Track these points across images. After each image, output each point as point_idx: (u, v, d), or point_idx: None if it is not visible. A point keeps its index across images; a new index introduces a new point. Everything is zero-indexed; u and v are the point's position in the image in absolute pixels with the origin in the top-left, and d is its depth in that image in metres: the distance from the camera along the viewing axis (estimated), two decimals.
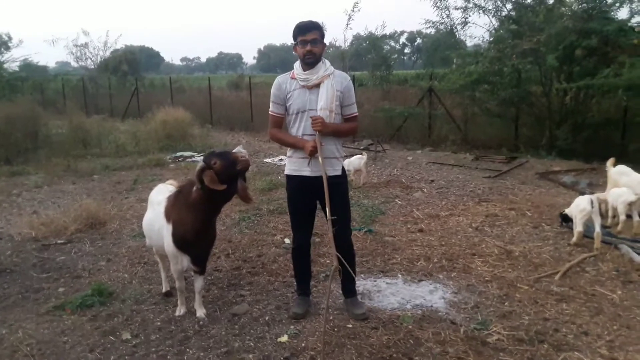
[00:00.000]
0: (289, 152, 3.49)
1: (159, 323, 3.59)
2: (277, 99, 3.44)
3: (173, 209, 3.47)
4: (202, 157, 3.37)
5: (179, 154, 11.06)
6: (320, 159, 3.22)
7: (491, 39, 11.43)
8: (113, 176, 9.02)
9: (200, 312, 3.64)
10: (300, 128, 3.39)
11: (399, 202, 6.74)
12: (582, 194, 6.90)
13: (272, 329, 3.47)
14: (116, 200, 7.23)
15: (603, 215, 5.78)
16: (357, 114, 3.51)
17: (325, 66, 3.34)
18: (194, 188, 3.29)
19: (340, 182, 3.43)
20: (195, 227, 3.35)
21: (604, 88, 8.56)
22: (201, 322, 3.56)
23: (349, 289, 3.68)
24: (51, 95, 24.52)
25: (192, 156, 10.94)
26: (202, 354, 3.17)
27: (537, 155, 9.70)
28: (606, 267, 4.42)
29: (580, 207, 5.08)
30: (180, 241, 3.40)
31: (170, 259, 3.54)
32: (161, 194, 3.80)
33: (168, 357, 3.16)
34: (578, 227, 5.06)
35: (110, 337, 3.40)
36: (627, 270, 4.34)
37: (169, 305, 3.83)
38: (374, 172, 8.67)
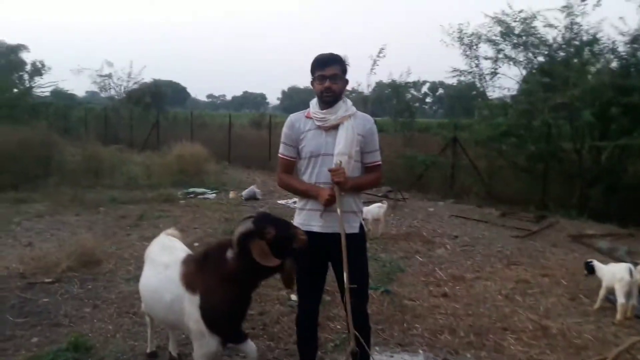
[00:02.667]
0: (299, 203, 3.00)
1: None
2: (288, 140, 2.98)
3: (198, 277, 2.76)
4: (249, 218, 2.65)
5: (191, 189, 10.70)
6: (338, 211, 2.73)
7: (519, 90, 11.07)
8: (119, 209, 8.64)
9: None
10: (313, 174, 2.91)
11: (420, 259, 6.18)
12: (620, 261, 6.28)
13: None
14: (117, 236, 6.81)
15: None
16: (380, 162, 3.02)
17: (346, 106, 2.90)
18: (229, 254, 2.65)
19: (357, 242, 2.91)
20: (232, 304, 2.69)
21: None
22: None
23: None
24: (74, 123, 24.73)
25: (203, 193, 10.56)
26: None
27: (567, 216, 9.07)
28: None
29: (617, 276, 4.57)
30: (212, 319, 2.69)
31: (195, 340, 2.78)
32: (168, 252, 3.10)
33: None
34: (620, 299, 4.50)
35: None
36: None
37: None
38: (393, 222, 8.14)
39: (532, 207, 9.67)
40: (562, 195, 9.95)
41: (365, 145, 2.92)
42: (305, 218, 2.92)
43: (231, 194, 10.32)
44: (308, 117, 2.94)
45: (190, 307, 2.74)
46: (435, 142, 13.00)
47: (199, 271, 2.77)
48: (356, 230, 2.92)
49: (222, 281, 2.66)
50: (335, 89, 2.85)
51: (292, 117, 3.01)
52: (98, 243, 5.98)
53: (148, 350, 3.50)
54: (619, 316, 4.47)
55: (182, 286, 2.77)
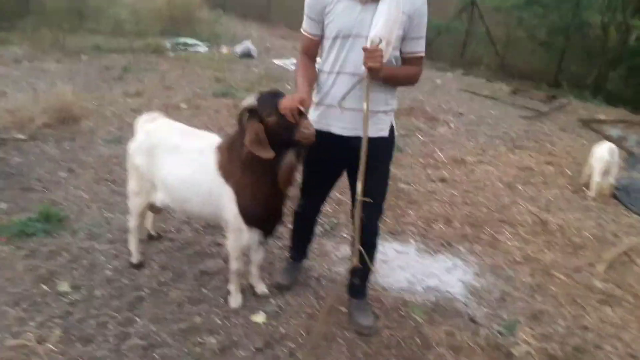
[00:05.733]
0: (316, 96, 2.42)
1: (109, 272, 2.89)
2: (312, 12, 2.28)
3: (230, 167, 2.36)
4: (252, 96, 2.21)
5: (181, 40, 9.90)
6: (364, 106, 2.12)
7: None
8: (103, 58, 8.01)
9: (262, 287, 2.84)
10: (338, 60, 2.27)
11: (421, 138, 5.83)
12: (629, 152, 6.03)
13: (248, 300, 2.76)
14: (100, 90, 6.33)
15: None
16: (423, 54, 2.32)
17: None
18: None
19: (384, 148, 2.42)
20: (265, 196, 2.33)
21: None
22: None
23: (358, 287, 2.73)
24: None
25: (195, 45, 9.79)
26: (152, 328, 2.49)
27: (580, 97, 8.57)
28: None
29: (596, 155, 4.66)
30: (250, 214, 2.40)
31: (232, 233, 2.50)
32: (195, 137, 2.63)
33: (109, 326, 2.48)
34: (595, 178, 4.60)
35: (44, 286, 2.70)
36: None
37: (125, 245, 3.07)
38: (397, 95, 7.59)
39: (544, 84, 9.10)
40: (578, 73, 9.31)
41: (409, 29, 2.21)
42: (323, 115, 2.38)
43: (224, 49, 9.59)
44: None
45: (228, 200, 2.40)
46: (449, 5, 11.85)
47: (230, 160, 2.37)
48: (385, 133, 2.39)
49: (246, 171, 2.29)
50: None
51: None
52: (78, 97, 5.53)
53: (134, 261, 2.95)
54: (592, 193, 4.64)
55: (219, 176, 2.39)
